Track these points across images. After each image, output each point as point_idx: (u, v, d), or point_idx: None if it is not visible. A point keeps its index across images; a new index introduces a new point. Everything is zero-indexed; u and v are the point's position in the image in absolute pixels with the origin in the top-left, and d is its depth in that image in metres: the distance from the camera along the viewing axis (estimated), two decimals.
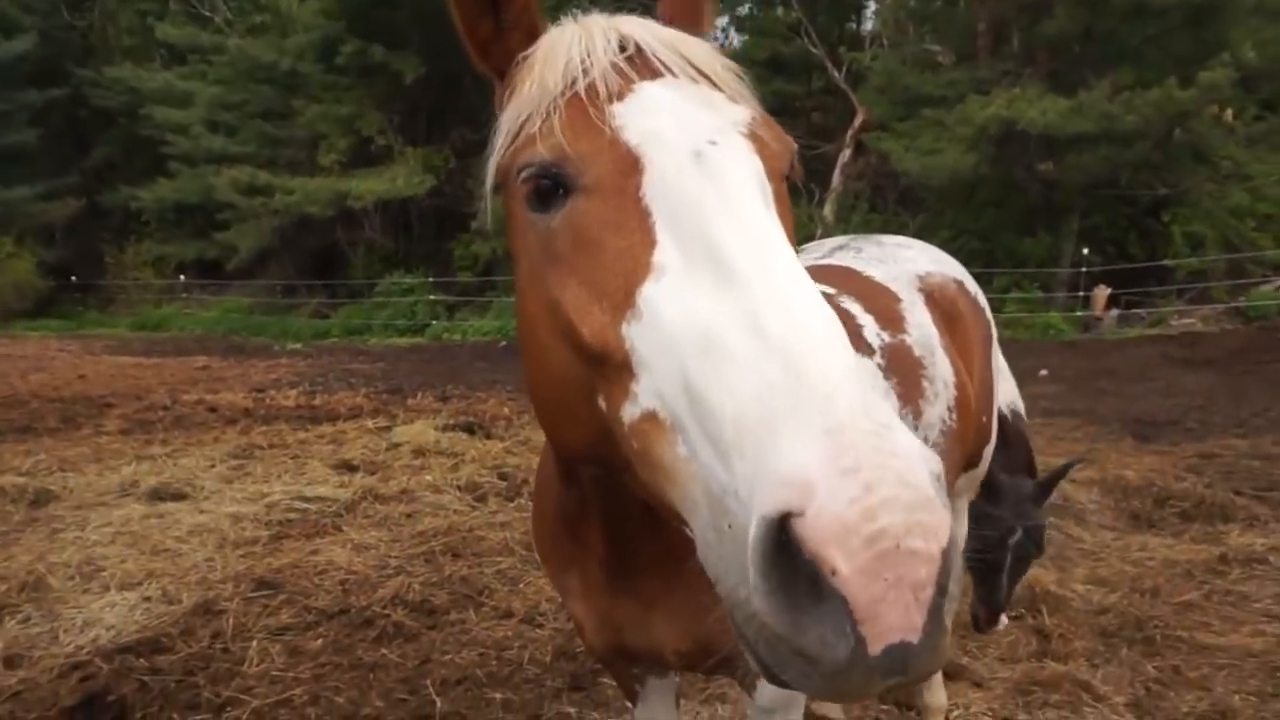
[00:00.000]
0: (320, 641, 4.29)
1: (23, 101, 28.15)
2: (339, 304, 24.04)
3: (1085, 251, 18.61)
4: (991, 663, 4.13)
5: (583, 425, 1.09)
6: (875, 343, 2.40)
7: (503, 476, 7.00)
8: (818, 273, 2.69)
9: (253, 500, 6.38)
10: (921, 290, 2.78)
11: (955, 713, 3.66)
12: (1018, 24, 19.68)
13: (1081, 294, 18.18)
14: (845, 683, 0.73)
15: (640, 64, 1.17)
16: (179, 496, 6.51)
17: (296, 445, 8.37)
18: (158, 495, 6.50)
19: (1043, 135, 16.73)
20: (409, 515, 6.14)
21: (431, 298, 22.57)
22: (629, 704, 2.37)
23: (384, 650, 4.20)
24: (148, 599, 4.70)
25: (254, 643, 4.21)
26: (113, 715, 3.59)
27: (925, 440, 2.46)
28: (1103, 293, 17.79)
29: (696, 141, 1.05)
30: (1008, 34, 20.44)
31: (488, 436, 8.60)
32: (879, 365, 2.36)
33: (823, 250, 3.08)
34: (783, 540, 0.72)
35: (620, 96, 1.11)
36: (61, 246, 28.40)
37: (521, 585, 4.95)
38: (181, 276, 28.19)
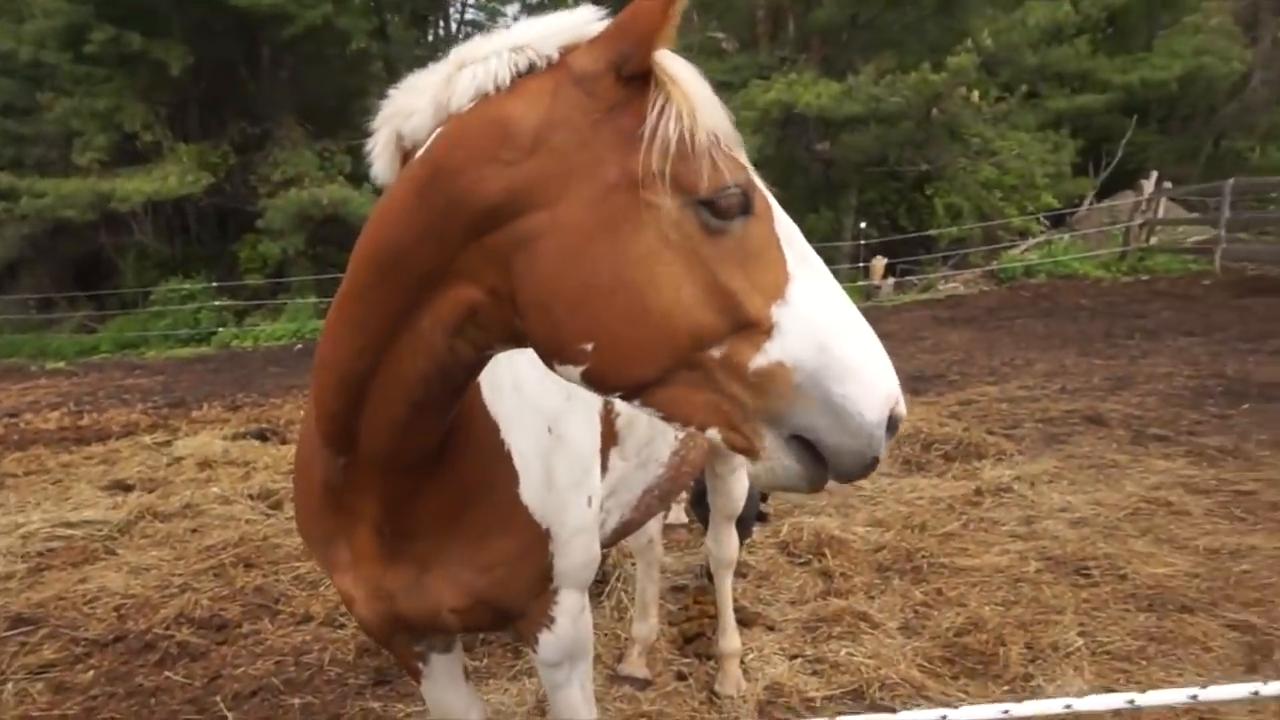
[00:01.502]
0: (92, 673, 3.94)
1: None
2: (108, 316, 21.84)
3: (863, 225, 20.11)
4: (783, 606, 4.43)
5: (671, 361, 1.38)
6: None
7: None
8: None
9: (5, 533, 5.72)
10: None
11: (750, 656, 3.90)
12: (793, 12, 20.91)
13: (862, 264, 19.64)
14: (880, 446, 1.37)
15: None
16: None
17: (59, 469, 7.59)
18: None
19: (819, 117, 17.91)
20: (194, 530, 5.73)
21: (217, 303, 20.95)
22: (415, 681, 2.35)
23: (167, 673, 3.93)
24: None
25: (9, 685, 3.81)
26: None
27: None
28: (879, 263, 19.31)
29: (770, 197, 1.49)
30: (784, 22, 21.66)
31: (282, 442, 8.16)
32: None
33: None
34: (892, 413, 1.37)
35: (739, 144, 1.48)
36: None
37: (321, 588, 4.76)
38: None
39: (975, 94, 18.98)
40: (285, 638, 4.26)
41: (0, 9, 21.78)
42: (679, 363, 1.37)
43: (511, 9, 31.49)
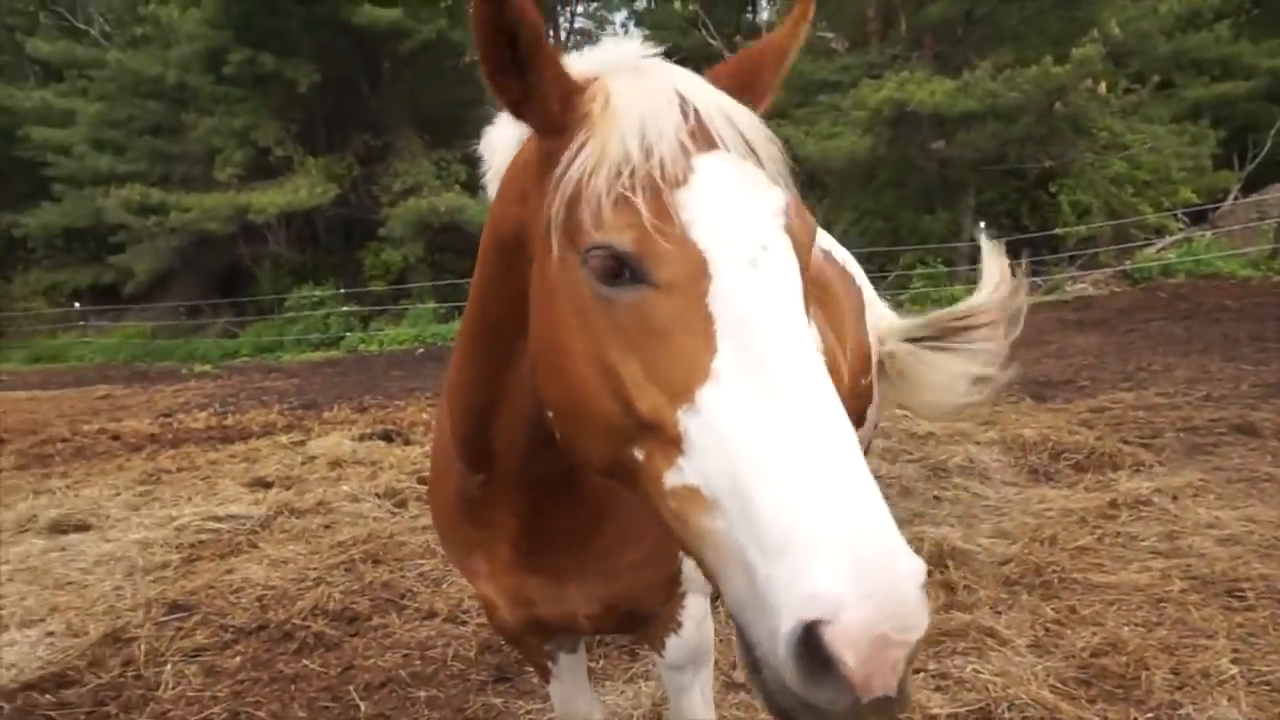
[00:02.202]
0: (239, 659, 4.20)
1: None
2: (248, 321, 23.29)
3: (982, 225, 19.37)
4: None
5: (606, 451, 1.20)
6: None
7: (423, 481, 6.93)
8: None
9: (162, 525, 6.18)
10: None
11: None
12: (904, 9, 20.36)
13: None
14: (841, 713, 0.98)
15: (699, 134, 1.22)
16: (82, 528, 6.27)
17: (207, 466, 8.13)
18: (59, 528, 6.23)
19: (933, 115, 17.36)
20: (327, 526, 6.04)
21: (344, 309, 22.05)
22: (543, 682, 2.41)
23: (305, 661, 4.15)
24: (51, 634, 4.52)
25: (168, 666, 4.10)
26: None
27: None
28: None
29: (752, 248, 1.15)
30: (896, 19, 21.11)
31: (406, 443, 8.50)
32: None
33: None
34: (810, 633, 0.94)
35: (684, 180, 1.17)
36: None
37: (444, 586, 4.93)
38: (76, 304, 26.87)
39: (1102, 86, 18.01)
40: (411, 632, 4.43)
41: (149, 38, 23.54)
42: (611, 455, 1.20)
43: (619, 16, 31.89)
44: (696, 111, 1.23)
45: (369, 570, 5.18)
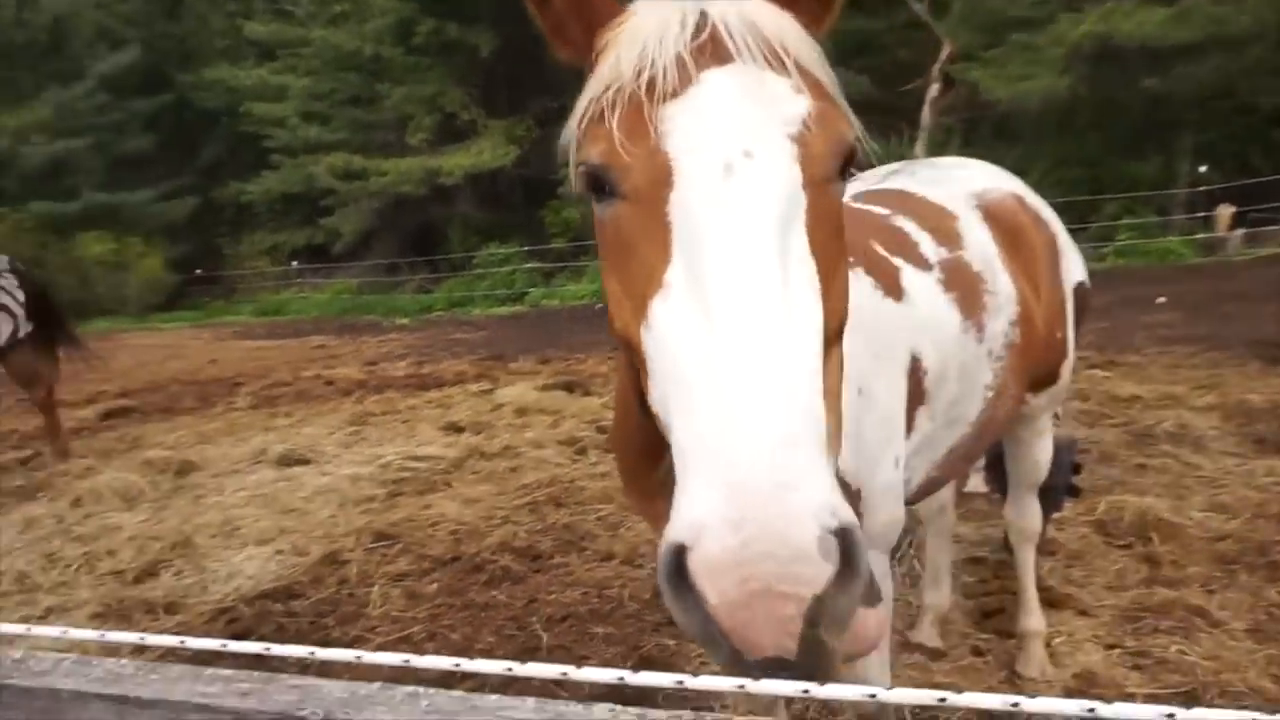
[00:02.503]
0: (435, 586, 4.57)
1: (135, 109, 29.88)
2: (441, 278, 24.76)
3: (1203, 169, 17.43)
4: (1097, 590, 4.06)
5: (636, 384, 1.23)
6: (933, 258, 2.40)
7: (601, 430, 7.19)
8: (871, 197, 2.68)
9: (369, 462, 6.78)
10: (979, 207, 2.73)
11: (1059, 639, 3.63)
12: None
13: (1202, 215, 17.06)
14: (739, 674, 0.90)
15: (711, 48, 1.16)
16: (303, 461, 6.98)
17: (407, 411, 8.80)
18: (285, 461, 6.98)
19: (1143, 49, 15.65)
20: (513, 470, 6.40)
21: (528, 266, 23.02)
22: None
23: (493, 592, 4.45)
24: (280, 552, 5.10)
25: (375, 588, 4.52)
26: (256, 653, 3.94)
27: (989, 354, 2.45)
28: (1226, 211, 16.68)
29: (731, 153, 1.09)
30: None
31: (586, 394, 8.83)
32: (938, 279, 2.36)
33: (876, 176, 3.06)
34: (678, 559, 0.89)
35: (676, 93, 1.13)
36: (184, 243, 30.10)
37: (622, 530, 5.12)
38: (294, 263, 29.56)
39: None
40: (590, 572, 4.64)
41: (346, 14, 25.19)
42: (638, 387, 1.21)
43: None
44: (715, 27, 1.17)
45: (551, 512, 5.46)
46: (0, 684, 1.00)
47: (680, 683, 0.92)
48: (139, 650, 2.80)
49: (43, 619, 4.45)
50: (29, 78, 28.56)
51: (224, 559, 5.07)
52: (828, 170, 1.15)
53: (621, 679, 0.92)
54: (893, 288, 2.17)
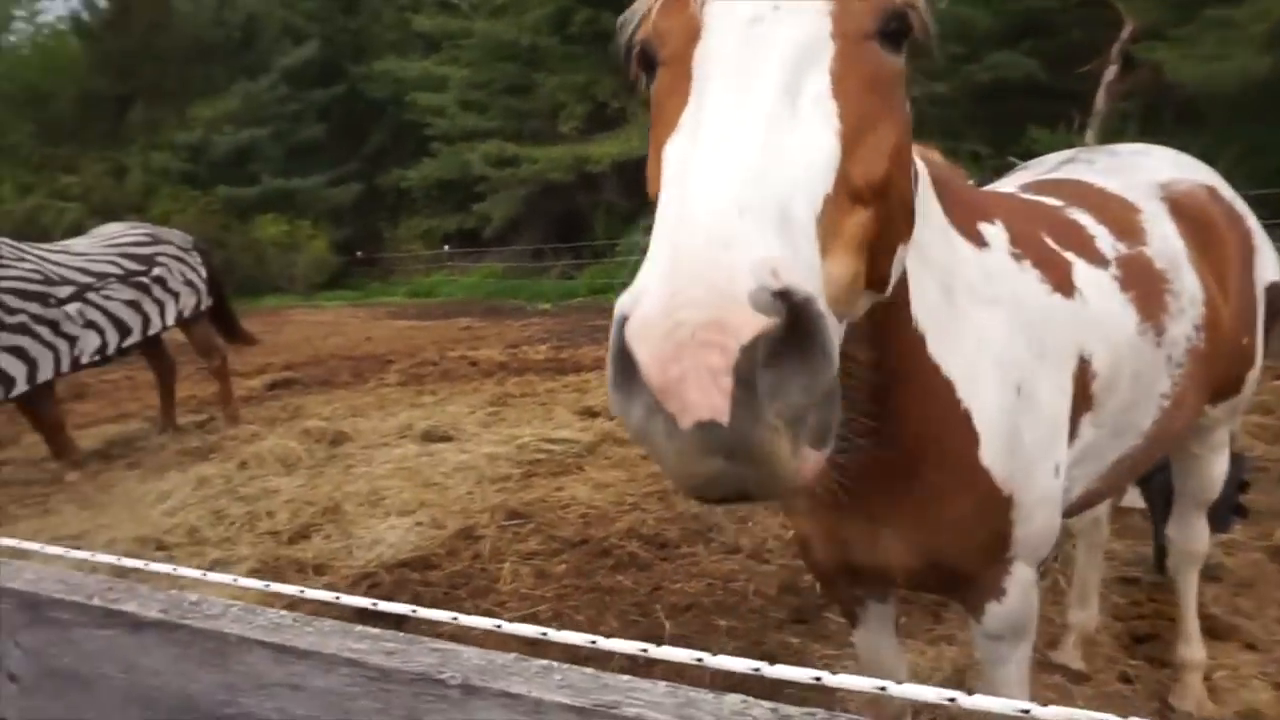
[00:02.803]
0: (564, 567, 4.68)
1: (311, 100, 32.18)
2: (584, 264, 25.23)
3: None
4: (1269, 624, 3.69)
5: None
6: (1110, 254, 2.23)
7: None
8: (1043, 187, 2.51)
9: (506, 442, 7.01)
10: (1165, 199, 2.51)
11: (1220, 673, 3.34)
12: None
13: None
14: (677, 460, 0.86)
15: None
16: (445, 438, 7.30)
17: (545, 394, 9.04)
18: (428, 437, 7.33)
19: None
20: (643, 457, 6.44)
21: None
22: (850, 625, 2.40)
23: (619, 577, 4.51)
24: (420, 524, 5.36)
25: (507, 565, 4.68)
26: (394, 618, 4.16)
27: (1168, 359, 2.25)
28: None
29: (761, 7, 1.10)
30: None
31: None
32: (1115, 277, 2.19)
33: (1048, 165, 2.86)
34: (623, 335, 0.87)
35: None
36: (348, 226, 32.10)
37: (750, 524, 5.08)
38: (446, 247, 30.93)
39: None
40: (716, 564, 4.63)
41: (506, 7, 25.99)
42: None
43: None
44: None
45: (679, 501, 5.47)
46: (179, 623, 1.11)
47: (818, 679, 0.91)
48: (293, 605, 3.00)
49: (209, 570, 4.87)
50: (222, 72, 31.18)
51: (369, 526, 5.37)
52: (864, 25, 1.15)
53: (757, 669, 0.92)
54: (1063, 283, 2.03)
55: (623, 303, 0.90)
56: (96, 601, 1.19)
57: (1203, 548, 3.27)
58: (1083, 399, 2.03)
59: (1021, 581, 1.95)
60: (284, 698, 1.03)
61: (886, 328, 1.59)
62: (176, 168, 29.14)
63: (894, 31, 1.18)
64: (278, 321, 19.33)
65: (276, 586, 1.36)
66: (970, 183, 2.23)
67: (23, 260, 6.86)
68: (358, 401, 9.20)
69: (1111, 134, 18.75)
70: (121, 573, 1.69)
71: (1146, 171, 2.63)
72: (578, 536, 5.05)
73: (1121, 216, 2.37)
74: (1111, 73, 18.97)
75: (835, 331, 0.92)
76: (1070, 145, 18.40)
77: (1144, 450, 2.34)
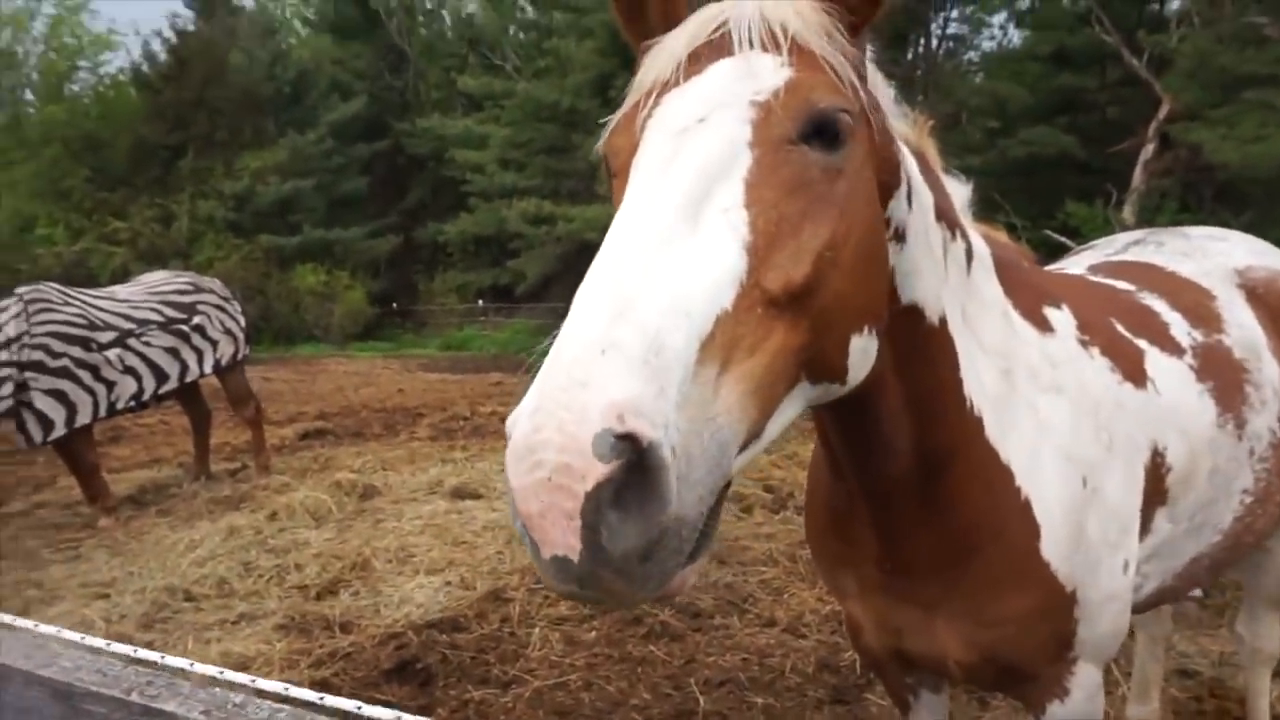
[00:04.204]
0: (594, 634, 4.56)
1: (355, 154, 33.06)
2: None
3: None
4: None
5: None
6: (1185, 342, 2.17)
7: (768, 489, 7.04)
8: (1112, 270, 2.46)
9: None
10: (1241, 286, 2.44)
11: None
12: None
13: None
14: (544, 576, 0.94)
15: (720, 43, 1.24)
16: (475, 495, 7.24)
17: None
18: (458, 494, 7.27)
19: None
20: None
21: None
22: (900, 713, 2.29)
23: (651, 647, 4.39)
24: (449, 583, 5.28)
25: (536, 630, 4.57)
26: (420, 681, 4.08)
27: (1250, 453, 2.16)
28: None
29: (688, 120, 1.16)
30: None
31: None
32: (1190, 366, 2.12)
33: (1116, 246, 2.80)
34: None
35: (676, 84, 1.22)
36: (384, 278, 32.62)
37: (785, 596, 4.94)
38: (479, 301, 31.29)
39: None
40: (751, 637, 4.49)
41: (549, 69, 26.68)
42: None
43: (998, 18, 29.77)
44: (729, 25, 1.24)
45: (713, 569, 5.35)
46: None
47: None
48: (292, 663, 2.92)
49: (235, 624, 4.81)
50: (271, 125, 32.17)
51: (397, 585, 5.30)
52: (785, 131, 1.16)
53: None
54: (1134, 372, 1.97)
55: (509, 421, 0.95)
56: (135, 698, 1.14)
57: (1275, 647, 3.11)
58: (1156, 493, 1.95)
59: (1087, 684, 1.85)
60: None
61: (934, 407, 1.57)
62: (222, 215, 29.87)
63: (824, 134, 1.18)
64: (312, 370, 19.53)
65: (262, 682, 1.32)
66: (1035, 264, 2.19)
67: (68, 304, 7.00)
68: (388, 454, 9.18)
69: (1150, 210, 18.68)
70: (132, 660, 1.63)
71: (1221, 256, 2.56)
72: None
73: (1196, 302, 2.30)
74: (1149, 151, 18.97)
75: (710, 460, 0.95)
76: (1108, 221, 18.35)
77: (1224, 548, 2.24)
